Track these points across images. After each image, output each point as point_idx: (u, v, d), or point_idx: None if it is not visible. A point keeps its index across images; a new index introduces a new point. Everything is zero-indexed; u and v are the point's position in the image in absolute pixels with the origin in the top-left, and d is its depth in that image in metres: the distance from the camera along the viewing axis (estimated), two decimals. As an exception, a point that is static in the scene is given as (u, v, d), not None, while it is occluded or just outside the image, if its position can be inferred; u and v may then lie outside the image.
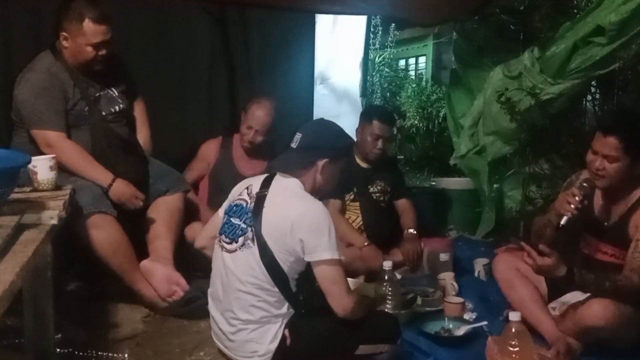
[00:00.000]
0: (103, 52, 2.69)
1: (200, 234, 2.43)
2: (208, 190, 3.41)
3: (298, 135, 2.17)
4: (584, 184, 2.38)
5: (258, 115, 3.31)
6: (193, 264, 2.76)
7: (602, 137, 2.33)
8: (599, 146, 2.34)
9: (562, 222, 2.34)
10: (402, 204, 3.59)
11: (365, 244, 3.23)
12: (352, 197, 3.44)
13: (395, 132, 3.52)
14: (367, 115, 3.48)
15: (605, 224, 2.46)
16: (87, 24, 2.64)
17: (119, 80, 2.91)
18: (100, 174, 2.70)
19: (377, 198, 3.52)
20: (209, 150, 3.46)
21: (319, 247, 2.00)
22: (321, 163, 2.14)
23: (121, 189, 2.71)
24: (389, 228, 3.48)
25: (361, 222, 3.44)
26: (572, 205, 2.33)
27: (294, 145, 2.17)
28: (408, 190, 3.89)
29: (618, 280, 2.25)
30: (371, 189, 3.50)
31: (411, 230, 3.43)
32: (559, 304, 2.49)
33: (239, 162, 3.40)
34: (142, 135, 3.05)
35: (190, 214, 3.04)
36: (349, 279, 2.39)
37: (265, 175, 2.25)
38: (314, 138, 2.17)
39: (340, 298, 2.03)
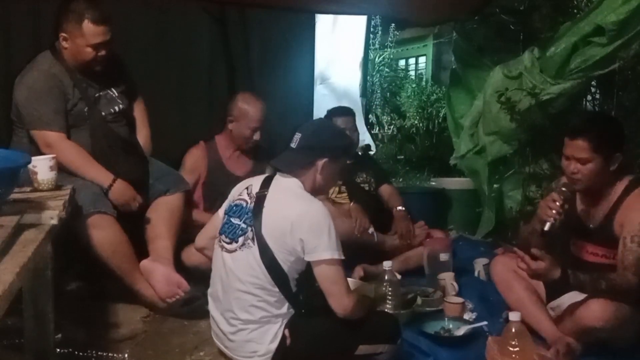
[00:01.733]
0: (103, 52, 2.69)
1: (200, 234, 2.42)
2: (203, 198, 3.32)
3: (298, 135, 2.17)
4: (563, 189, 2.39)
5: (257, 113, 3.24)
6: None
7: (570, 141, 2.37)
8: (569, 150, 2.38)
9: (546, 228, 2.35)
10: (385, 189, 3.74)
11: (352, 204, 3.37)
12: (337, 190, 3.55)
13: (356, 124, 3.70)
14: (328, 116, 3.63)
15: (591, 225, 2.47)
16: (87, 25, 2.63)
17: (118, 80, 2.91)
18: (100, 175, 2.70)
19: (364, 187, 3.68)
20: (197, 160, 3.32)
21: (319, 246, 2.00)
22: (321, 163, 2.14)
23: (121, 190, 2.71)
24: (378, 212, 3.56)
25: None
26: (554, 211, 2.34)
27: (293, 145, 2.17)
28: (387, 177, 4.08)
29: (613, 280, 2.25)
30: (357, 180, 3.67)
31: (399, 208, 3.57)
32: (557, 305, 2.49)
33: (229, 163, 3.34)
34: (142, 136, 3.05)
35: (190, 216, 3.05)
36: (349, 279, 2.40)
37: (265, 175, 2.25)
38: (313, 138, 2.17)
39: (340, 298, 2.03)
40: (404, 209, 3.57)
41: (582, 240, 2.50)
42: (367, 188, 3.70)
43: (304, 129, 2.22)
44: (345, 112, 3.67)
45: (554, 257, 2.26)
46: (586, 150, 2.32)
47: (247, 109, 3.23)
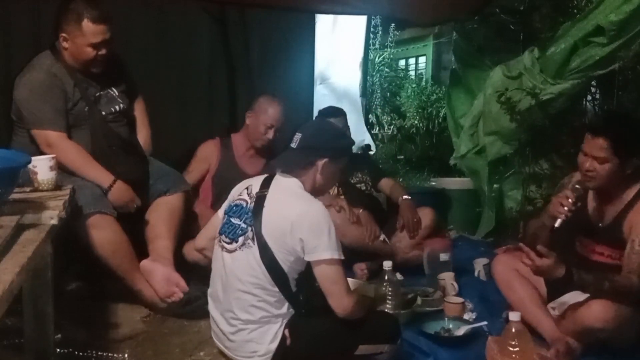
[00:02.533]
0: (103, 52, 2.69)
1: (200, 235, 2.42)
2: (212, 193, 3.37)
3: (298, 135, 2.17)
4: (577, 186, 2.39)
5: (274, 112, 3.35)
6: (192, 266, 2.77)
7: (591, 139, 2.34)
8: (588, 147, 2.35)
9: (556, 224, 2.35)
10: (386, 183, 3.70)
11: (360, 210, 3.35)
12: (335, 192, 3.52)
13: (347, 124, 3.66)
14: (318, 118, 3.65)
15: (600, 225, 2.46)
16: (86, 24, 2.63)
17: (118, 80, 2.91)
18: (100, 175, 2.70)
19: (360, 187, 3.67)
20: (209, 151, 3.43)
21: (319, 246, 2.00)
22: (321, 163, 2.14)
23: (120, 191, 2.71)
24: (377, 212, 3.54)
25: None
26: (566, 208, 2.33)
27: (293, 145, 2.17)
28: (384, 172, 4.03)
29: (617, 281, 2.25)
30: (352, 181, 3.66)
31: (405, 197, 3.50)
32: (559, 304, 2.49)
33: (242, 162, 3.41)
34: (142, 135, 3.05)
35: (190, 214, 3.05)
36: (349, 279, 2.40)
37: (265, 175, 2.25)
38: (313, 138, 2.17)
39: (340, 298, 2.03)
40: (409, 197, 3.50)
41: (589, 238, 2.49)
42: (363, 187, 3.69)
43: (305, 129, 2.22)
44: (335, 112, 3.66)
45: (559, 256, 2.26)
46: (605, 150, 2.29)
47: (267, 105, 3.37)
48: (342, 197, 3.53)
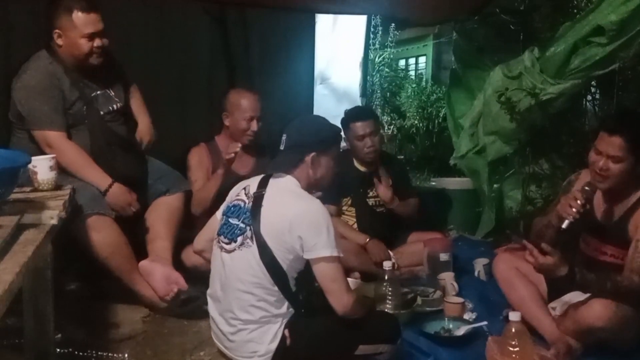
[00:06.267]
0: (97, 43, 2.69)
1: (198, 237, 2.41)
2: None
3: (284, 137, 2.18)
4: (586, 188, 2.37)
5: (249, 103, 3.22)
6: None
7: (607, 137, 2.32)
8: (603, 146, 2.33)
9: (564, 225, 2.34)
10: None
11: (367, 240, 3.24)
12: (349, 202, 3.44)
13: (378, 125, 3.43)
14: (344, 122, 3.42)
15: (606, 224, 2.45)
16: (77, 15, 2.64)
17: (114, 79, 2.90)
18: (98, 177, 2.69)
19: (376, 203, 3.47)
20: (201, 156, 3.30)
21: (318, 244, 2.00)
22: (309, 158, 2.14)
23: (118, 194, 2.70)
24: (383, 236, 3.39)
25: (356, 228, 3.42)
26: (574, 209, 2.32)
27: (282, 147, 2.18)
28: (413, 190, 3.81)
29: (619, 281, 2.25)
30: (370, 193, 3.46)
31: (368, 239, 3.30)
32: (560, 304, 2.49)
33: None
34: (144, 123, 3.01)
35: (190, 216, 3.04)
36: (349, 279, 2.40)
37: (262, 175, 2.25)
38: (297, 135, 2.18)
39: (339, 295, 2.03)
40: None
41: (596, 238, 2.49)
42: (380, 202, 3.42)
43: (288, 128, 2.22)
44: (362, 116, 3.40)
45: (563, 255, 2.25)
46: (622, 149, 2.28)
47: (239, 100, 3.24)
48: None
